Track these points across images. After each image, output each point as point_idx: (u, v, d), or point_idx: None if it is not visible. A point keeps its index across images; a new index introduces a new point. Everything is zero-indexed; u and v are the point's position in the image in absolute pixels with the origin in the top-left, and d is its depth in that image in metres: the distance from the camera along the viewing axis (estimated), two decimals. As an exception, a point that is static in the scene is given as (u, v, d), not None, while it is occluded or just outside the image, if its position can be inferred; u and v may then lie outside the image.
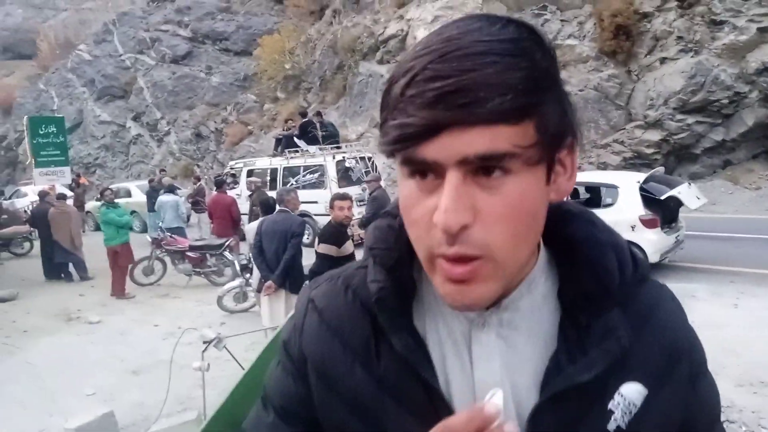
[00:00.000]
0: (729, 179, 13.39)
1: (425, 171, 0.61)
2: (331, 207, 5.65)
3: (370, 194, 9.63)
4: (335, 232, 5.56)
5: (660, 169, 9.28)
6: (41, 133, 14.98)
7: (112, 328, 8.22)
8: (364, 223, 9.24)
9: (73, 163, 23.21)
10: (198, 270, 10.04)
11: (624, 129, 14.44)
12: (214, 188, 11.63)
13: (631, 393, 0.69)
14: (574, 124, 0.65)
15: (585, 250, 0.72)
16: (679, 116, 13.55)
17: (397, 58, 19.48)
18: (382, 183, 10.22)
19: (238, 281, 8.25)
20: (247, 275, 8.02)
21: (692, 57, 13.56)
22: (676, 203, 8.00)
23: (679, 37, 13.81)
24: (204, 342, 4.80)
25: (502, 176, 0.60)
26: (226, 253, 9.71)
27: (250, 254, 7.03)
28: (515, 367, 0.69)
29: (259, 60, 25.05)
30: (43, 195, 12.56)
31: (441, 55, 0.58)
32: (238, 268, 8.64)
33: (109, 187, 12.83)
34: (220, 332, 4.90)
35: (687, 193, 7.86)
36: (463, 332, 0.71)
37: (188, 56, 29.14)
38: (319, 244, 5.60)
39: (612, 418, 0.68)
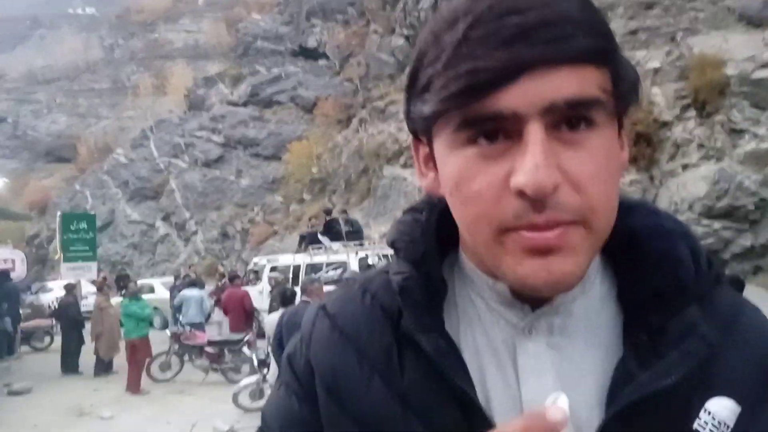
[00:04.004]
0: (761, 285, 12.99)
1: (492, 131, 0.52)
2: None
3: None
4: None
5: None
6: (72, 229, 15.42)
7: (124, 425, 8.00)
8: None
9: (101, 260, 23.59)
10: (215, 366, 9.83)
11: (649, 234, 14.37)
12: (228, 282, 11.66)
13: (720, 410, 0.56)
14: (638, 80, 0.57)
15: (652, 242, 0.61)
16: (705, 221, 13.43)
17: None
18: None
19: (255, 377, 8.01)
20: (265, 371, 7.79)
21: (715, 164, 13.66)
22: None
23: (701, 145, 13.99)
24: (217, 434, 4.58)
25: (587, 130, 0.52)
26: (245, 349, 9.52)
27: (269, 348, 6.87)
28: (572, 381, 0.57)
29: (288, 164, 25.91)
30: (69, 289, 12.68)
31: None
32: (255, 363, 8.42)
33: (133, 279, 12.92)
34: (234, 426, 4.69)
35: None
36: (505, 341, 0.60)
37: (220, 160, 30.28)
38: None
39: None
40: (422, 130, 0.60)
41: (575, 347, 0.59)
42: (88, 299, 13.56)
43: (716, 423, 0.56)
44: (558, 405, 0.45)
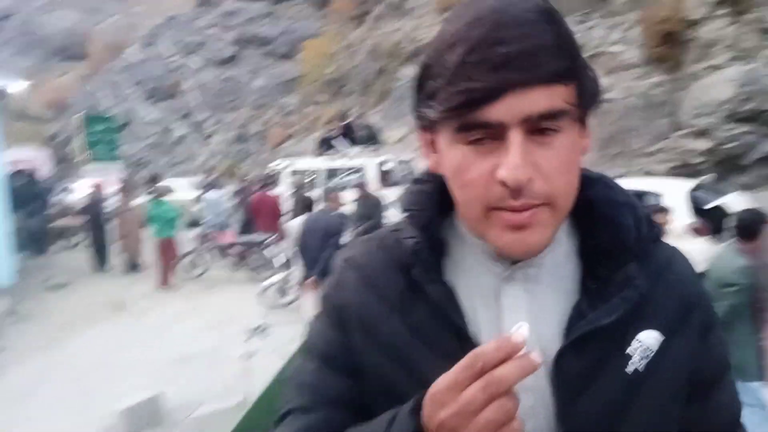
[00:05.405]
0: (780, 191, 12.97)
1: (482, 136, 0.67)
2: None
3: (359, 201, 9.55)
4: None
5: (710, 177, 9.05)
6: (94, 130, 15.56)
7: (157, 319, 8.46)
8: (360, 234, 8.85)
9: (121, 161, 23.87)
10: (241, 265, 10.27)
11: (670, 137, 14.17)
12: (259, 187, 11.88)
13: (648, 339, 0.76)
14: (599, 90, 0.74)
15: (603, 209, 0.79)
16: (728, 125, 13.21)
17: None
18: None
19: (279, 276, 8.41)
20: (289, 270, 8.17)
21: (743, 65, 13.23)
22: (721, 213, 7.71)
23: (729, 46, 13.49)
24: (248, 330, 4.93)
25: (554, 133, 0.68)
26: (269, 249, 9.90)
27: (292, 250, 7.18)
28: (540, 317, 0.75)
29: (302, 64, 25.39)
30: (94, 189, 12.97)
31: (497, 24, 0.65)
32: (280, 262, 8.81)
33: (158, 181, 13.18)
34: (264, 322, 5.03)
35: (736, 203, 7.62)
36: (491, 286, 0.78)
37: (233, 59, 29.72)
38: None
39: (630, 362, 0.75)
40: (428, 127, 0.76)
41: (544, 292, 0.77)
42: (112, 199, 13.88)
43: (644, 348, 0.76)
44: (520, 331, 0.62)
